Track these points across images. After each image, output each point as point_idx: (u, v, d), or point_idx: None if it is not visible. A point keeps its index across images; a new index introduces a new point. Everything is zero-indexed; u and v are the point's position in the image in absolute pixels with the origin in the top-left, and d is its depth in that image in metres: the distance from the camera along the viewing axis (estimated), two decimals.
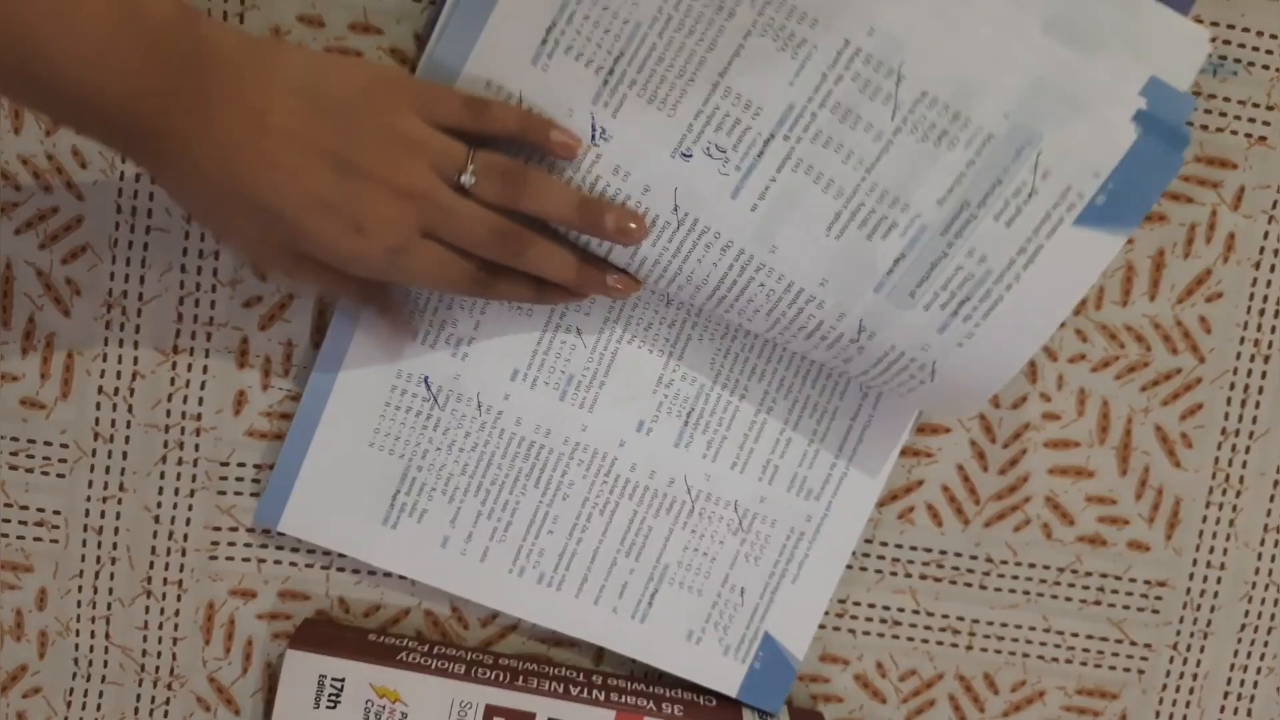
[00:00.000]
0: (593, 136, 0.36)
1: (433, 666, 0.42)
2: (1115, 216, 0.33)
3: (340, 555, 0.42)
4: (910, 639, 0.44)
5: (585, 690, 0.42)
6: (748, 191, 0.35)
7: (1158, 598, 0.44)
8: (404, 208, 0.33)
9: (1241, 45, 0.41)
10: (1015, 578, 0.44)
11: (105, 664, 0.42)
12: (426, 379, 0.41)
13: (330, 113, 0.32)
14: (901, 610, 0.44)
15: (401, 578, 0.43)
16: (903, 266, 0.35)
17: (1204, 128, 0.42)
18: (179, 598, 0.42)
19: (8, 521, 0.41)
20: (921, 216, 0.34)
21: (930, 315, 0.35)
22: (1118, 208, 0.33)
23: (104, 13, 0.29)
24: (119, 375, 0.41)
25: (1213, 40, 0.41)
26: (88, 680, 0.42)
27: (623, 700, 0.42)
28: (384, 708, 0.41)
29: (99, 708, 0.43)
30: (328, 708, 0.41)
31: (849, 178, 0.34)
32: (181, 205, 0.34)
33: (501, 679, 0.42)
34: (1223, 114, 0.42)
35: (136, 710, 0.43)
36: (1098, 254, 0.34)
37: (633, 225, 0.36)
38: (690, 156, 0.35)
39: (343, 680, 0.41)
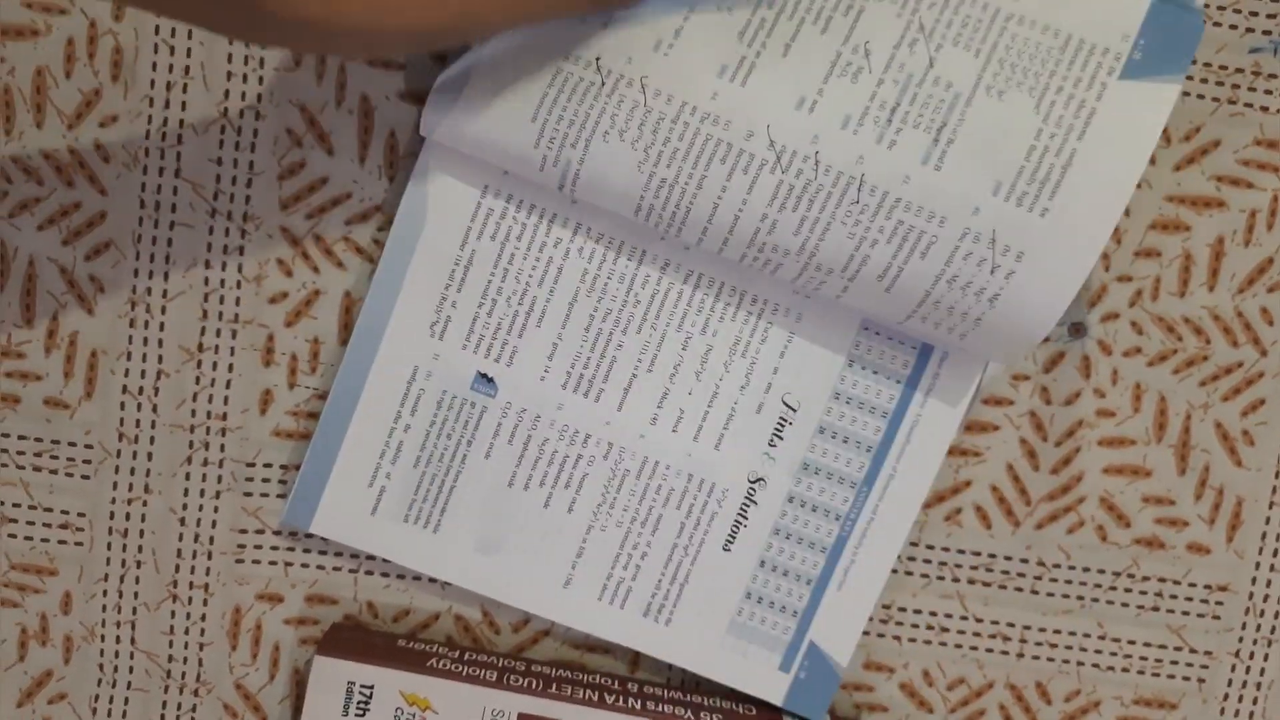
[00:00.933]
0: None
1: (464, 673, 0.40)
2: (1154, 67, 0.35)
3: (369, 558, 0.41)
4: (958, 646, 0.42)
5: (620, 698, 0.41)
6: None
7: (1219, 603, 0.42)
8: None
9: None
10: (1069, 582, 0.42)
11: (131, 670, 0.42)
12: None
13: None
14: (949, 616, 0.42)
15: (431, 581, 0.42)
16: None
17: (1264, 109, 0.40)
18: (205, 602, 0.41)
19: (32, 524, 0.41)
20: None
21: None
22: (1154, 58, 0.35)
23: None
24: (143, 374, 0.40)
25: (1271, 18, 0.40)
26: (113, 686, 0.42)
27: (659, 709, 0.41)
28: (414, 715, 0.40)
29: (125, 714, 0.42)
30: (357, 715, 0.40)
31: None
32: None
33: (534, 686, 0.40)
34: None
35: (163, 717, 0.42)
36: (1153, 103, 0.35)
37: None
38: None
39: (372, 687, 0.40)
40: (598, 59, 0.35)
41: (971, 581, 0.42)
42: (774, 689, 0.42)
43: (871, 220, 0.35)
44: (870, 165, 0.35)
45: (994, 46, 0.35)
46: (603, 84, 0.35)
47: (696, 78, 0.35)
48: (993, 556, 0.42)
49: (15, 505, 0.40)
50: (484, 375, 0.40)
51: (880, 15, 0.35)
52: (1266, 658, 0.43)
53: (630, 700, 0.41)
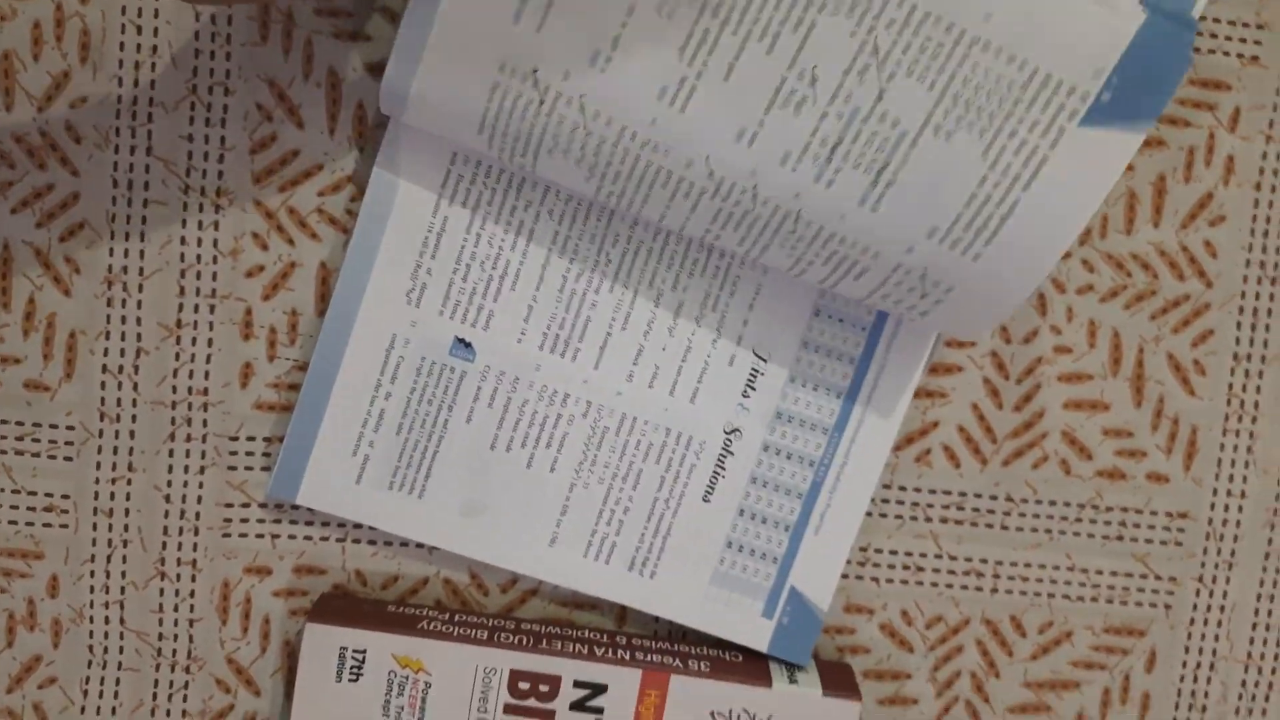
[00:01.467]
0: None
1: (455, 634, 0.41)
2: (1122, 111, 0.32)
3: (355, 527, 0.42)
4: (934, 584, 0.44)
5: (610, 650, 0.42)
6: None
7: (1180, 530, 0.44)
8: None
9: None
10: (1036, 516, 0.44)
11: (121, 650, 0.42)
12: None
13: None
14: (924, 555, 0.44)
15: (419, 546, 0.42)
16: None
17: (1196, 50, 0.42)
18: (193, 578, 0.42)
19: (15, 508, 0.41)
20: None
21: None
22: (1123, 101, 0.32)
23: None
24: (123, 353, 0.40)
25: None
26: (104, 668, 0.42)
27: (648, 659, 0.42)
28: (407, 678, 0.41)
29: (116, 695, 0.42)
30: (350, 681, 0.41)
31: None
32: None
33: (525, 643, 0.41)
34: (1213, 35, 0.42)
35: (155, 695, 0.42)
36: (1111, 153, 0.32)
37: None
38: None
39: (364, 651, 0.41)
40: (535, 72, 0.34)
41: (944, 520, 0.43)
42: (758, 635, 0.43)
43: (808, 247, 0.36)
44: (807, 201, 0.34)
45: (951, 78, 0.32)
46: (541, 102, 0.34)
47: (635, 100, 0.33)
48: (963, 495, 0.43)
49: None
50: (462, 340, 0.40)
51: (832, 34, 0.32)
52: (1229, 580, 0.44)
53: (619, 651, 0.42)
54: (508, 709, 0.41)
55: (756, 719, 0.42)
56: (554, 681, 0.41)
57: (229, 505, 0.41)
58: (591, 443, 0.41)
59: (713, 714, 0.42)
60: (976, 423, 0.43)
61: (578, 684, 0.41)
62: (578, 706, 0.41)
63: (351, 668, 0.41)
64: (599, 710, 0.41)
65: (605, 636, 0.43)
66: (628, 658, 0.41)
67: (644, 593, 0.42)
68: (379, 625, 0.41)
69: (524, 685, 0.41)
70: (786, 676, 0.42)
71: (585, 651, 0.41)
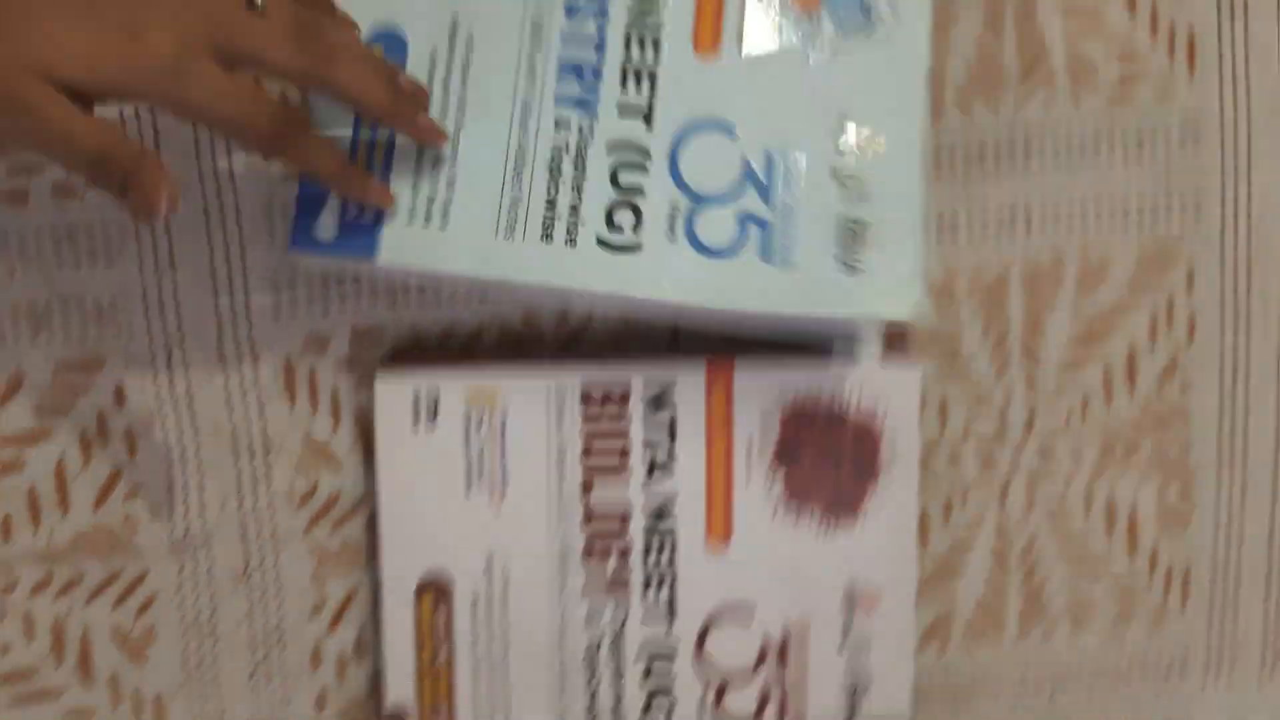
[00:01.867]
0: None
1: (521, 363, 0.42)
2: None
3: (403, 285, 0.42)
4: (969, 239, 0.44)
5: (672, 351, 0.43)
6: None
7: (1195, 133, 0.45)
8: (191, 13, 0.31)
9: None
10: (1057, 153, 0.44)
11: (199, 448, 0.42)
12: None
13: None
14: (955, 211, 0.44)
15: (467, 297, 0.42)
16: None
17: None
18: (255, 361, 0.42)
19: (68, 320, 0.41)
20: None
21: None
22: None
23: None
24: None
25: None
26: (185, 469, 0.42)
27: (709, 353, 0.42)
28: (484, 412, 0.41)
29: (202, 496, 0.42)
30: (427, 426, 0.41)
31: None
32: None
33: (590, 360, 0.42)
34: None
35: (239, 488, 0.42)
36: None
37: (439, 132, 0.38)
38: None
39: (438, 390, 0.41)
40: None
41: (967, 170, 0.44)
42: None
43: None
44: None
45: None
46: None
47: None
48: (983, 142, 0.44)
49: (46, 304, 0.41)
50: None
51: None
52: (1250, 182, 0.45)
53: (681, 351, 0.43)
54: (584, 425, 0.42)
55: (821, 396, 0.43)
56: (624, 389, 0.42)
57: (275, 280, 0.42)
58: None
59: (779, 396, 0.42)
60: (976, 58, 0.43)
61: (647, 387, 0.42)
62: (651, 408, 0.42)
63: (428, 410, 0.41)
64: (671, 408, 0.42)
65: (665, 344, 0.44)
66: (686, 361, 0.42)
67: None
68: (448, 363, 0.41)
69: (596, 399, 0.42)
70: (846, 353, 0.43)
71: (649, 356, 0.42)
